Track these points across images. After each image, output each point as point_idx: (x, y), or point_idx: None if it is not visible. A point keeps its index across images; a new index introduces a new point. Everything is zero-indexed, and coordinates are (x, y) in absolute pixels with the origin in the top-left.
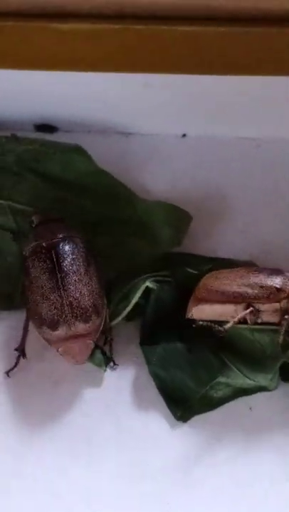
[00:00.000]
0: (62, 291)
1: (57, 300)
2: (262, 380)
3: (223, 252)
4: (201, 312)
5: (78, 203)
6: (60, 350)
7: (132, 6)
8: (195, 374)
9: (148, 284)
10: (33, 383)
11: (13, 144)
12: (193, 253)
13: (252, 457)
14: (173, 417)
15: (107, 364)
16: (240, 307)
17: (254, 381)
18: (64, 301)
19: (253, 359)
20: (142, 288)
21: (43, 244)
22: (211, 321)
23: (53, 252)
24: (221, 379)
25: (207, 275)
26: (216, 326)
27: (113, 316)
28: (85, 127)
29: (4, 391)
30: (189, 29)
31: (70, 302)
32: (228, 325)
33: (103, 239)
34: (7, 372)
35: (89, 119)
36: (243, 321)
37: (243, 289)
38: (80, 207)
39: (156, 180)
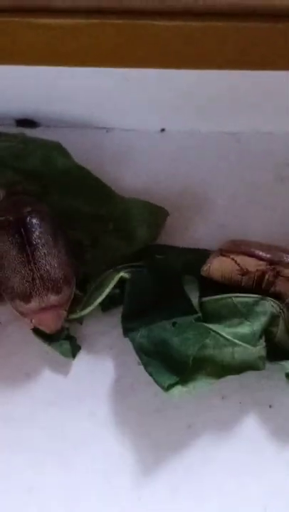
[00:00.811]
0: (32, 265)
1: (28, 274)
2: (247, 343)
3: (202, 246)
4: (221, 264)
5: (57, 199)
6: (33, 321)
7: (111, 1)
8: (182, 342)
9: (122, 274)
10: (5, 376)
11: None
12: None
13: (223, 446)
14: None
15: (75, 353)
16: (262, 263)
17: (239, 345)
18: (35, 275)
19: (235, 320)
20: (117, 278)
21: (10, 218)
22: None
23: (21, 226)
24: (208, 348)
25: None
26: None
27: (87, 305)
28: (66, 122)
29: None
30: (172, 24)
31: (41, 275)
32: (251, 270)
33: (81, 234)
34: None
35: (69, 114)
36: (256, 283)
37: (268, 255)
38: (58, 202)
39: (134, 174)
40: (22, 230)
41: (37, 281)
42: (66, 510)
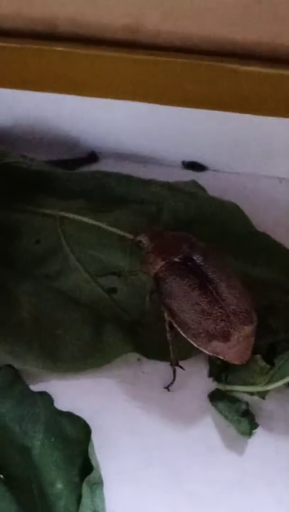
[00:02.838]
0: (221, 302)
1: (221, 312)
2: None
3: None
4: None
5: (234, 265)
6: (227, 356)
7: None
8: None
9: None
10: (186, 448)
11: (166, 193)
12: None
13: None
14: None
15: (252, 432)
16: None
17: None
18: (228, 311)
19: None
20: None
21: (175, 259)
22: None
23: (191, 264)
24: None
25: None
26: None
27: (274, 379)
28: (236, 168)
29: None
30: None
31: (234, 310)
32: None
33: (260, 302)
34: (167, 387)
35: (239, 159)
36: None
37: None
38: (235, 268)
39: None
40: (194, 268)
41: (231, 317)
42: None
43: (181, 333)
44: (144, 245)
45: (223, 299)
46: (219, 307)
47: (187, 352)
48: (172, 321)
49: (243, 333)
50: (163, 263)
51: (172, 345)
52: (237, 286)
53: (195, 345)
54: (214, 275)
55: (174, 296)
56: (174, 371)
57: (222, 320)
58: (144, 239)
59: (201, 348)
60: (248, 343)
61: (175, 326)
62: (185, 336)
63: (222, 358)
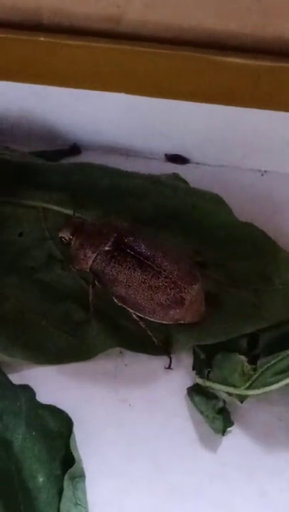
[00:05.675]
0: (164, 272)
1: (167, 282)
2: None
3: None
4: None
5: (217, 256)
6: (187, 319)
7: None
8: None
9: None
10: (168, 440)
11: (150, 186)
12: None
13: None
14: None
15: (225, 430)
16: None
17: None
18: (173, 278)
19: None
20: None
21: (107, 248)
22: None
23: (124, 248)
24: None
25: None
26: None
27: (256, 385)
28: (219, 161)
29: None
30: None
31: (178, 275)
32: None
33: (246, 293)
34: (169, 367)
35: (222, 153)
36: None
37: None
38: (218, 259)
39: None
40: (128, 250)
41: (178, 282)
42: None
43: (138, 314)
44: (67, 242)
45: (165, 269)
46: (164, 277)
47: (167, 334)
48: (125, 306)
49: (194, 293)
50: (95, 255)
51: (147, 328)
52: (172, 251)
53: (154, 320)
54: (148, 249)
55: (118, 283)
56: (166, 350)
57: (171, 288)
58: (65, 235)
59: (161, 321)
60: (200, 299)
61: (129, 310)
62: (142, 316)
63: (183, 321)
